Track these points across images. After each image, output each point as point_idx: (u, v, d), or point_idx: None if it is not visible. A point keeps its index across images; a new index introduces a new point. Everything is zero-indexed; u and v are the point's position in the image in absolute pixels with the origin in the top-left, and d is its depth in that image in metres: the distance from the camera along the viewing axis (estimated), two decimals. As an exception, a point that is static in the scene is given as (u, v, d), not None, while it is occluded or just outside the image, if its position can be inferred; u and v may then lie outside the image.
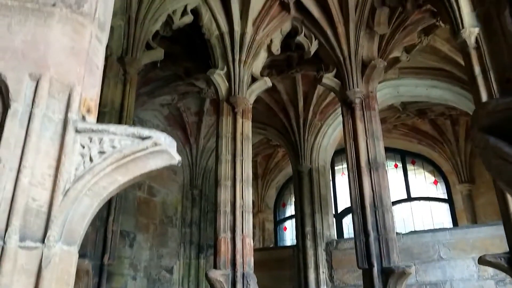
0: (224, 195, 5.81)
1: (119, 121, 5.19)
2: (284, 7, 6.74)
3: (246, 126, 6.47)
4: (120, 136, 1.41)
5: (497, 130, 1.25)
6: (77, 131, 1.37)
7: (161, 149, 1.42)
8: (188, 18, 6.49)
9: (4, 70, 1.33)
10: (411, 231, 9.14)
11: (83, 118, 1.43)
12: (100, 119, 5.18)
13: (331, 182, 11.37)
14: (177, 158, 1.46)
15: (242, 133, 6.35)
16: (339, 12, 6.51)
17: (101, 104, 5.25)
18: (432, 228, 10.75)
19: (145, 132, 1.43)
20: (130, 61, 5.54)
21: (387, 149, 12.63)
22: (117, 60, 5.53)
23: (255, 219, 12.96)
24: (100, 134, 1.39)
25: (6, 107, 1.31)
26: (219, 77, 6.67)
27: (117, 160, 1.37)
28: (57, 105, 1.38)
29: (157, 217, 10.14)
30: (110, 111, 5.20)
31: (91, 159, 1.36)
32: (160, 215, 10.28)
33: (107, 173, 1.37)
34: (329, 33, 6.64)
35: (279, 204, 14.83)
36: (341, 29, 6.57)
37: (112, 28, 5.57)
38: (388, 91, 9.52)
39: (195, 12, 6.61)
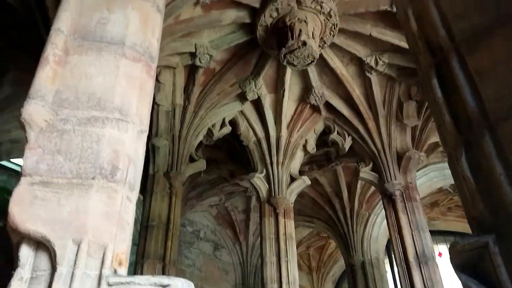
0: (271, 300, 5.80)
1: (166, 233, 5.53)
2: (315, 109, 7.18)
3: (288, 226, 6.60)
4: (145, 286, 1.66)
5: (469, 268, 1.37)
6: (109, 285, 1.64)
7: (179, 294, 1.65)
8: (227, 129, 7.06)
9: (54, 239, 1.66)
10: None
11: (115, 271, 1.71)
12: (149, 233, 5.55)
13: (388, 273, 10.80)
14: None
15: (285, 233, 6.47)
16: (367, 109, 6.82)
17: (149, 219, 5.68)
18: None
19: (165, 280, 1.67)
20: (175, 175, 6.04)
21: (445, 233, 12.06)
22: (163, 175, 6.05)
23: (312, 318, 12.32)
24: (128, 285, 1.65)
25: (54, 269, 1.62)
26: (259, 180, 7.00)
27: (142, 308, 1.60)
28: (93, 263, 1.67)
29: (210, 321, 9.99)
30: (158, 225, 5.58)
31: (120, 309, 1.60)
32: (214, 318, 10.13)
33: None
34: (360, 129, 6.91)
35: (338, 299, 14.06)
36: (371, 124, 6.83)
37: (158, 148, 6.22)
38: (434, 174, 9.40)
39: (233, 122, 7.19)
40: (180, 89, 6.35)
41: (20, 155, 8.30)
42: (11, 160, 8.60)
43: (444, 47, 1.71)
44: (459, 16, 1.72)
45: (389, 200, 6.49)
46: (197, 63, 6.12)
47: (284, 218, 6.67)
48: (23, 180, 1.80)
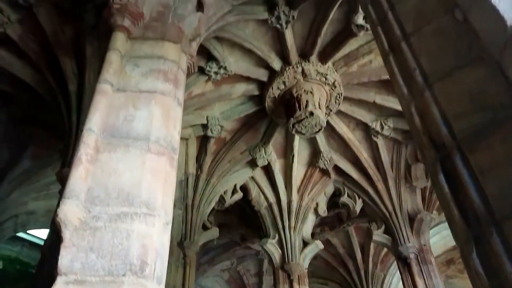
0: None
1: (181, 306, 5.49)
2: (324, 172, 7.30)
3: (303, 292, 6.50)
4: None
5: None
6: None
7: None
8: (238, 195, 7.16)
9: None
10: None
11: None
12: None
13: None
14: None
15: (300, 301, 6.35)
16: (376, 172, 6.93)
17: (164, 291, 5.63)
18: None
19: None
20: (188, 245, 6.07)
21: (465, 291, 11.65)
22: (177, 245, 6.08)
23: None
24: None
25: None
26: (271, 246, 7.00)
27: None
28: None
29: None
30: (172, 297, 5.55)
31: None
32: None
33: None
34: (370, 191, 6.98)
35: None
36: (381, 187, 6.91)
37: (172, 218, 6.30)
38: (447, 232, 9.25)
39: (244, 188, 7.31)
40: (193, 159, 6.55)
41: (36, 226, 8.42)
42: (28, 231, 8.68)
43: (447, 144, 1.83)
44: (458, 116, 1.85)
45: (404, 264, 6.42)
46: (209, 133, 6.37)
47: (299, 285, 6.59)
48: (59, 279, 1.90)
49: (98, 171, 2.32)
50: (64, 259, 1.97)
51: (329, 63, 5.70)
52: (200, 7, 3.67)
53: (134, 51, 3.09)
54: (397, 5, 2.26)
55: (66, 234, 2.05)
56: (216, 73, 5.53)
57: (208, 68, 5.45)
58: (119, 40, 3.04)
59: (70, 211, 2.10)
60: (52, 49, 5.22)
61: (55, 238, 4.13)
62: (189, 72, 3.53)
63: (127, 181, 2.30)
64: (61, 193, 4.84)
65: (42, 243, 9.71)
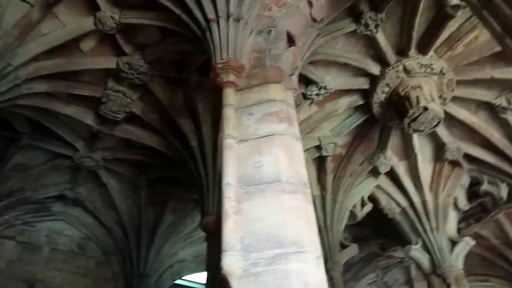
0: None
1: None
2: (455, 164, 6.80)
3: (465, 296, 6.02)
4: None
5: None
6: None
7: None
8: (368, 207, 7.02)
9: None
10: None
11: None
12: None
13: None
14: None
15: (464, 305, 5.90)
16: (514, 150, 6.25)
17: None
18: None
19: None
20: (332, 267, 6.08)
21: None
22: (321, 269, 6.13)
23: None
24: None
25: None
26: (417, 252, 6.67)
27: None
28: None
29: None
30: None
31: None
32: None
33: None
34: (513, 172, 6.30)
35: None
36: (525, 164, 6.20)
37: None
38: None
39: (372, 198, 7.14)
40: (314, 182, 6.63)
41: (188, 272, 9.21)
42: (183, 278, 9.54)
43: None
44: None
45: None
46: (324, 153, 6.43)
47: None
48: (239, 326, 2.10)
49: (244, 221, 2.53)
50: (237, 308, 2.17)
51: (431, 52, 5.40)
52: (291, 42, 3.82)
53: (244, 101, 3.33)
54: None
55: (234, 284, 2.26)
56: (317, 94, 5.62)
57: (309, 92, 5.58)
58: (229, 95, 3.31)
59: (232, 263, 2.31)
60: (170, 114, 5.84)
61: (213, 286, 4.53)
62: (296, 105, 3.68)
63: (271, 224, 2.46)
64: (206, 239, 5.29)
65: (196, 286, 10.56)
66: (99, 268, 8.28)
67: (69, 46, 4.96)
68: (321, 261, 2.40)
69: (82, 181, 7.48)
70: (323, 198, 6.66)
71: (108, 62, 5.30)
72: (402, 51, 5.40)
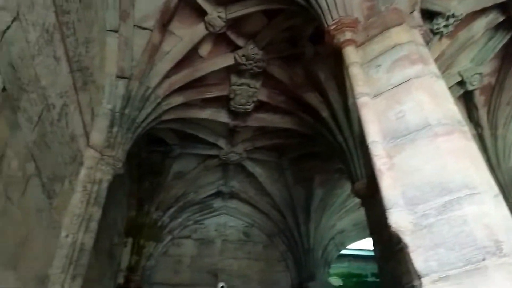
0: None
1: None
2: None
3: None
4: None
5: None
6: None
7: None
8: None
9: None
10: None
11: None
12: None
13: None
14: None
15: None
16: None
17: None
18: None
19: None
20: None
21: None
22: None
23: None
24: None
25: None
26: None
27: None
28: None
29: None
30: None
31: None
32: None
33: None
34: None
35: None
36: None
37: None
38: None
39: None
40: (467, 121, 5.99)
41: (350, 241, 9.27)
42: (347, 247, 9.63)
43: None
44: None
45: None
46: (469, 87, 5.77)
47: None
48: (424, 281, 2.00)
49: (400, 175, 2.39)
50: (418, 263, 2.07)
51: None
52: (401, -24, 3.47)
53: (368, 55, 3.14)
54: None
55: (407, 239, 2.16)
56: (446, 26, 5.04)
57: (435, 26, 5.03)
58: (351, 53, 3.16)
59: (399, 219, 2.21)
60: (295, 92, 5.88)
61: (382, 248, 4.44)
62: (427, 42, 3.34)
63: (431, 172, 2.28)
64: (362, 204, 5.21)
65: (362, 253, 10.54)
66: (267, 251, 8.86)
67: (190, 56, 5.35)
68: (500, 199, 2.14)
69: (232, 175, 8.07)
70: (480, 137, 5.99)
71: (226, 59, 5.57)
72: None
